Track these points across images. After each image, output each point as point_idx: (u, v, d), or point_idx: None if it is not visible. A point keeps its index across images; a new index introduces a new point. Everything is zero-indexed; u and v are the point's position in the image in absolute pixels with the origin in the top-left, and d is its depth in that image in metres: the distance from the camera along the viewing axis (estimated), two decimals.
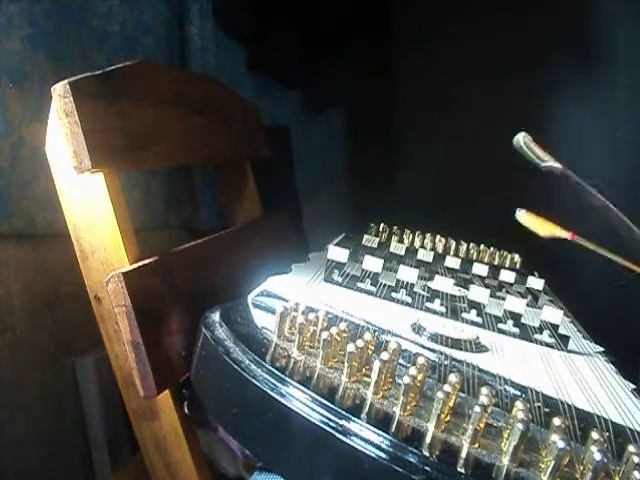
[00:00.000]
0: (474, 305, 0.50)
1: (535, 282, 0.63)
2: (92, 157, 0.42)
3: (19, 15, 0.56)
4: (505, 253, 0.75)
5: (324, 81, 1.06)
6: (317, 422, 0.30)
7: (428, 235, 0.75)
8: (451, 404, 0.31)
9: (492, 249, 0.75)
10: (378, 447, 0.28)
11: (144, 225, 0.77)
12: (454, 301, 0.53)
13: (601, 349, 0.50)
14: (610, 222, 0.45)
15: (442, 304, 0.51)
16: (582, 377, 0.42)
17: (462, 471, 0.27)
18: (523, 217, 0.49)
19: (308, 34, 1.02)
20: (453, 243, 0.74)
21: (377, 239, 0.72)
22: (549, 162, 0.47)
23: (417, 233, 0.75)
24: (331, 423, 0.29)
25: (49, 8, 0.59)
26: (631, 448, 0.28)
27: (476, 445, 0.29)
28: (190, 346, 0.43)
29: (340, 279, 0.52)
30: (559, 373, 0.42)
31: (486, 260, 0.74)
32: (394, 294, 0.51)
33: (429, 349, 0.41)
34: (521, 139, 0.48)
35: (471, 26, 0.95)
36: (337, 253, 0.53)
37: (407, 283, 0.52)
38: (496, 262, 0.74)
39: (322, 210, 1.08)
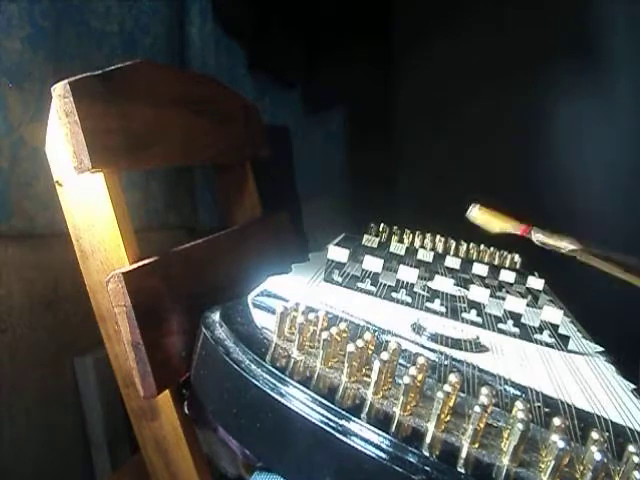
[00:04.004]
0: (474, 305, 0.50)
1: (535, 282, 0.63)
2: (92, 157, 0.42)
3: (19, 15, 0.56)
4: (505, 253, 0.75)
5: (324, 81, 1.06)
6: (317, 422, 0.30)
7: (428, 235, 0.75)
8: (451, 404, 0.31)
9: (492, 249, 0.75)
10: (378, 447, 0.28)
11: (144, 225, 0.77)
12: (454, 301, 0.53)
13: (601, 349, 0.50)
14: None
15: (442, 304, 0.51)
16: (582, 377, 0.42)
17: (462, 471, 0.27)
18: (474, 214, 0.49)
19: (308, 34, 1.02)
20: (453, 243, 0.74)
21: (377, 239, 0.72)
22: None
23: (417, 233, 0.75)
24: (331, 423, 0.29)
25: (48, 8, 0.59)
26: (631, 448, 0.28)
27: (476, 445, 0.29)
28: (190, 346, 0.43)
29: (340, 279, 0.52)
30: (559, 373, 0.42)
31: (486, 260, 0.74)
32: (394, 294, 0.51)
33: (429, 349, 0.41)
34: (536, 238, 0.49)
35: (471, 26, 0.94)
36: (337, 253, 0.53)
37: (407, 283, 0.52)
38: (496, 262, 0.74)
39: (322, 210, 1.08)
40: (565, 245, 0.47)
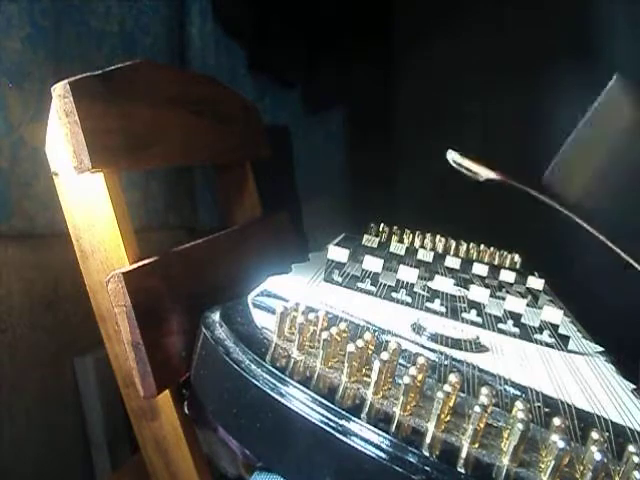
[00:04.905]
0: (474, 305, 0.50)
1: (535, 282, 0.63)
2: (92, 157, 0.42)
3: (19, 15, 0.56)
4: (505, 253, 0.75)
5: (324, 81, 1.06)
6: (317, 422, 0.30)
7: (428, 235, 0.75)
8: (451, 404, 0.31)
9: (492, 249, 0.75)
10: (378, 447, 0.28)
11: (144, 225, 0.78)
12: (454, 301, 0.53)
13: (601, 349, 0.50)
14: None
15: (442, 304, 0.51)
16: (582, 377, 0.42)
17: (462, 471, 0.27)
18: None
19: (308, 34, 1.02)
20: (453, 243, 0.74)
21: (377, 239, 0.72)
22: (486, 174, 0.47)
23: (417, 233, 0.75)
24: (331, 423, 0.29)
25: (48, 8, 0.59)
26: (631, 448, 0.28)
27: (476, 445, 0.29)
28: (190, 346, 0.43)
29: (340, 279, 0.52)
30: (559, 373, 0.42)
31: (486, 260, 0.74)
32: (394, 294, 0.51)
33: (429, 349, 0.41)
34: (451, 157, 0.47)
35: (471, 26, 0.95)
36: (337, 253, 0.53)
37: (407, 283, 0.52)
38: (496, 262, 0.74)
39: (322, 210, 1.08)
40: (485, 173, 0.46)
